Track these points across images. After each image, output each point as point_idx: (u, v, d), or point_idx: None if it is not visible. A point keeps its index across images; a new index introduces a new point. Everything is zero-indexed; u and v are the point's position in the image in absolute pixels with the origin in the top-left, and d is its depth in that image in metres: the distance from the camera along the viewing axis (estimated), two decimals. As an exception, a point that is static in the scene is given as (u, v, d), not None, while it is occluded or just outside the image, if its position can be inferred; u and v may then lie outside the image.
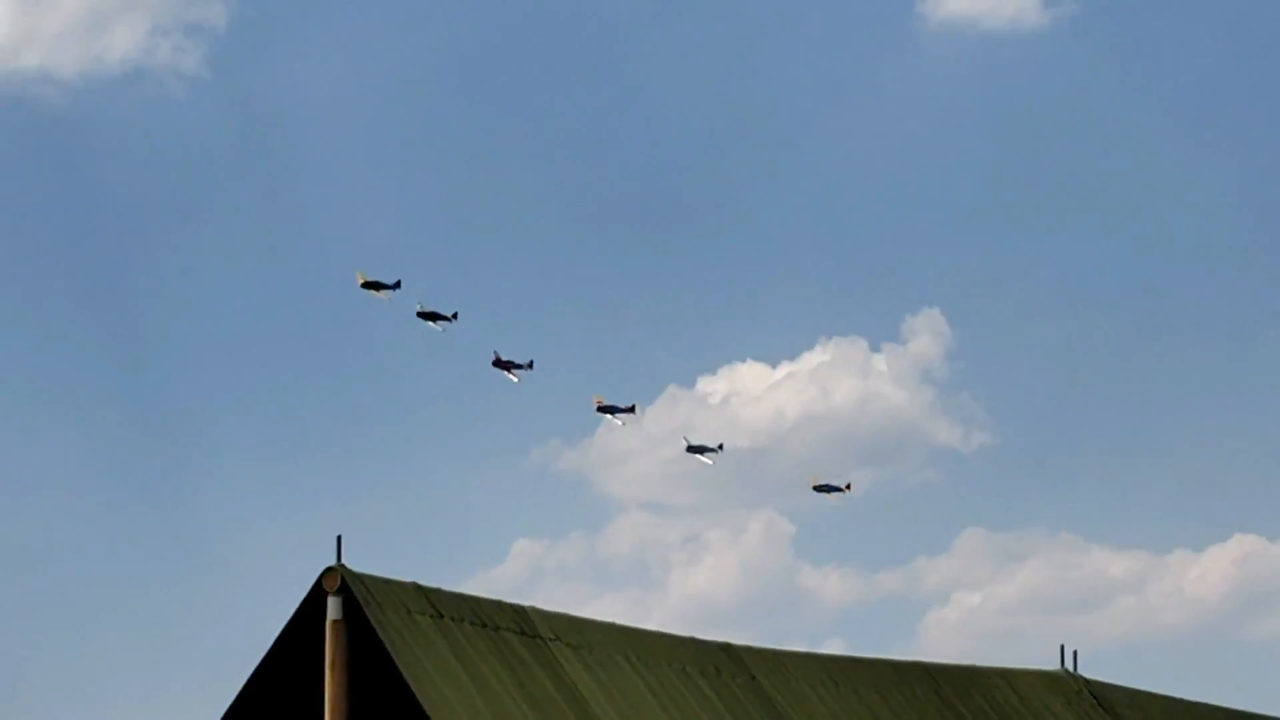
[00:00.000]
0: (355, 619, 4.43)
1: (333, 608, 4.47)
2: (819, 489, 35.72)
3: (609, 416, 36.16)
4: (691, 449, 36.02)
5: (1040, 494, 45.33)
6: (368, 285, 34.81)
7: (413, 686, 4.43)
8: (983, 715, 8.45)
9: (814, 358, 44.45)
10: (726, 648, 7.43)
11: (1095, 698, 9.38)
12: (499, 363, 34.63)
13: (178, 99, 45.44)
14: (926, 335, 44.49)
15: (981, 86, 48.44)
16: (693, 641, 7.27)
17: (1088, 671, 9.70)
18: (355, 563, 4.49)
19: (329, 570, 4.50)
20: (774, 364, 44.35)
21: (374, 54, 49.38)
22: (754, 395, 43.60)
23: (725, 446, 35.98)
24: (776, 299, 46.05)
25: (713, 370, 44.36)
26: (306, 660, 4.62)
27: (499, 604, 5.64)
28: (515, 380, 34.88)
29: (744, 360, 44.48)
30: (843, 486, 35.97)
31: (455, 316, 34.65)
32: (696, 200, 48.36)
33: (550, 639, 5.86)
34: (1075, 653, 9.63)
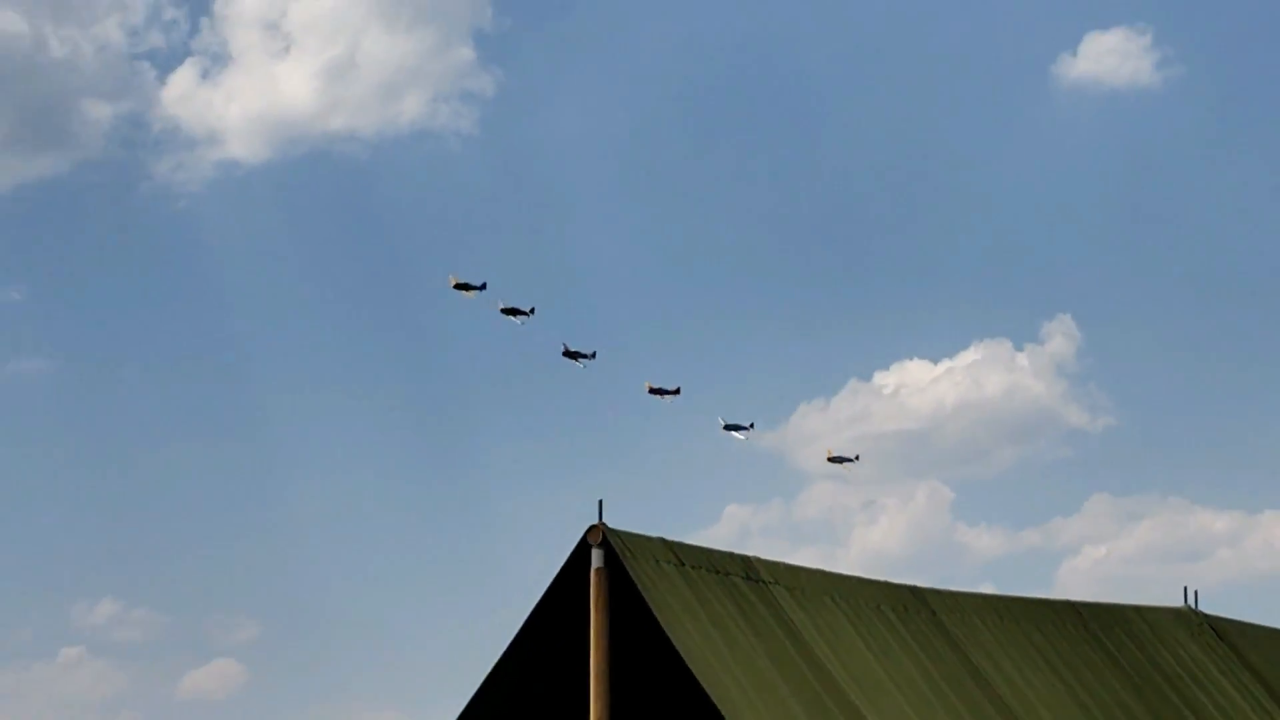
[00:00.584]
0: (614, 567, 5.35)
1: (596, 558, 5.39)
2: (728, 427, 41.61)
3: (660, 397, 41.28)
4: (728, 427, 41.89)
5: (1154, 465, 56.90)
6: (459, 286, 40.73)
7: (661, 623, 5.31)
8: (1122, 644, 9.54)
9: (968, 356, 53.71)
10: (912, 589, 8.43)
11: (1214, 630, 10.52)
12: (567, 353, 40.52)
13: (455, 153, 56.51)
14: (1060, 337, 53.73)
15: (1105, 133, 58.94)
16: (884, 584, 8.29)
17: (1206, 609, 10.94)
18: (611, 522, 5.45)
19: (593, 527, 5.43)
20: (935, 361, 53.57)
21: (611, 111, 61.29)
22: (919, 387, 52.69)
23: (896, 429, 45.31)
24: (938, 308, 56.55)
25: (886, 367, 53.99)
26: (574, 602, 5.57)
27: (729, 554, 6.55)
28: (582, 368, 40.72)
29: (911, 358, 54.00)
30: (853, 457, 42.29)
31: (533, 311, 40.88)
32: (875, 227, 59.45)
33: (770, 582, 6.73)
34: (1196, 592, 10.81)
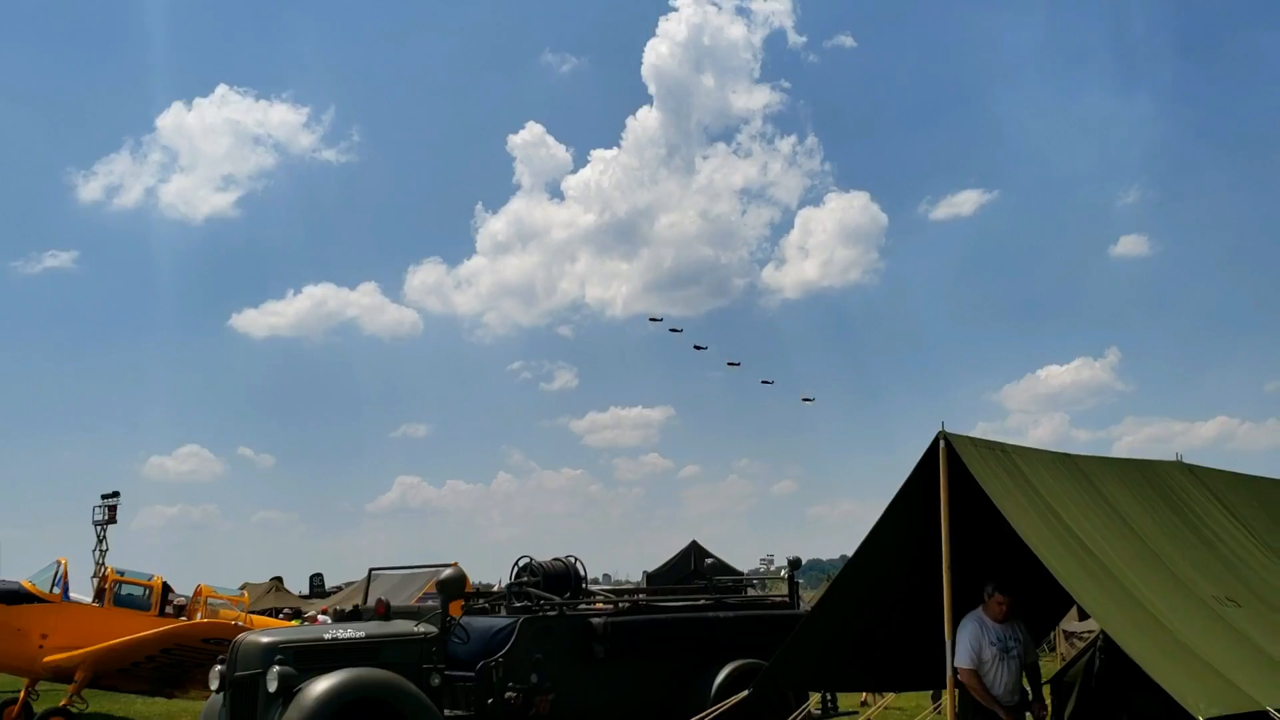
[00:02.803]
0: (952, 458, 7.79)
1: (942, 454, 7.85)
2: None
3: None
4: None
5: None
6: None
7: (985, 489, 7.69)
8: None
9: None
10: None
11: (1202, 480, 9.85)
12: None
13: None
14: None
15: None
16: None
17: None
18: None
19: (941, 433, 7.90)
20: None
21: None
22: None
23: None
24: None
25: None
26: (929, 484, 8.08)
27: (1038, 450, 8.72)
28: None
29: None
30: None
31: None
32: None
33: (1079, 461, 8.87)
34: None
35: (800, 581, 13.50)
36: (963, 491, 7.45)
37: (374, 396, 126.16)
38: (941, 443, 7.59)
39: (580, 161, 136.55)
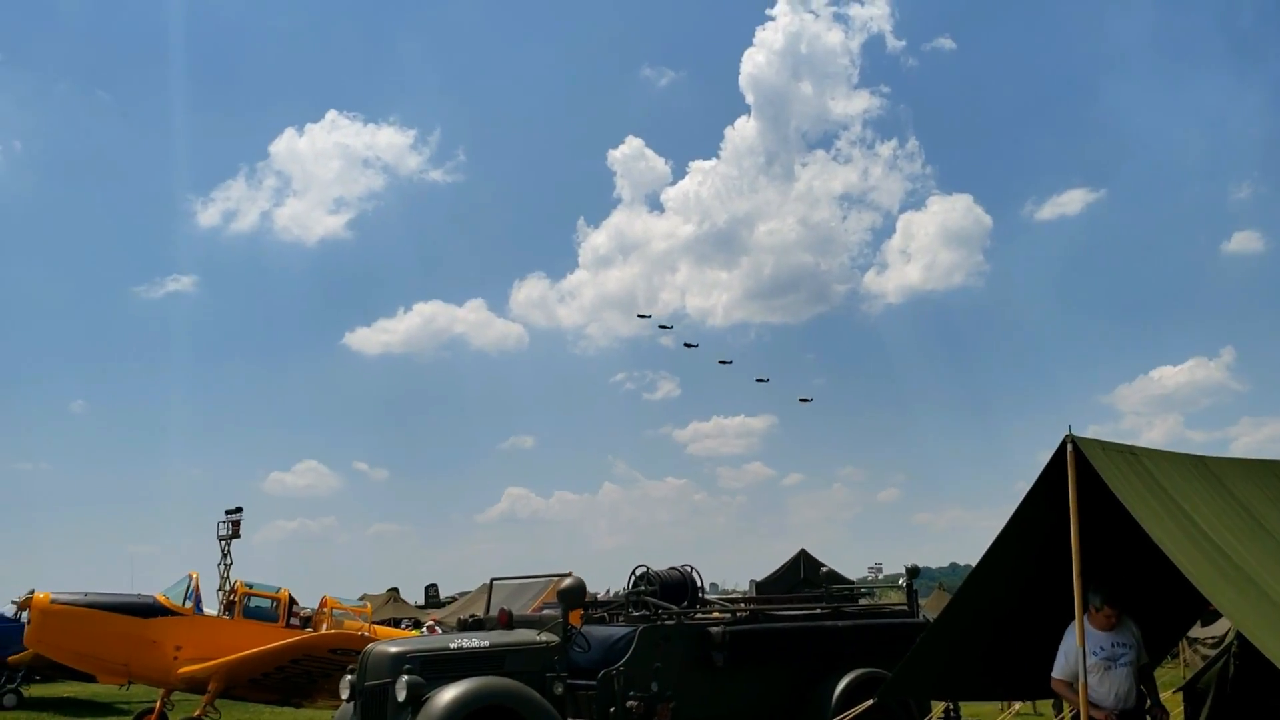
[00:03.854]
0: (1081, 461, 7.67)
1: (1070, 458, 7.76)
2: None
3: None
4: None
5: None
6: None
7: (1117, 494, 7.56)
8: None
9: None
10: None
11: None
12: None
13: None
14: None
15: None
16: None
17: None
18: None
19: (1069, 436, 7.77)
20: None
21: None
22: None
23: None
24: None
25: None
26: (1055, 489, 7.96)
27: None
28: None
29: None
30: None
31: None
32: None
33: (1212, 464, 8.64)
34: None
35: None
36: (1082, 497, 7.35)
37: (482, 410, 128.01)
38: (1069, 447, 7.47)
39: (679, 173, 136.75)
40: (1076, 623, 7.35)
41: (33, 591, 16.86)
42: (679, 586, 11.48)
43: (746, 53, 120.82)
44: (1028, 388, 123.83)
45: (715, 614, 11.87)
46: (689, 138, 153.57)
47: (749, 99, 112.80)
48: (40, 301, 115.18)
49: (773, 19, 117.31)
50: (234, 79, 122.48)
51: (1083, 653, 7.43)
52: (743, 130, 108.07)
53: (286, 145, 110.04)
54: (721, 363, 75.92)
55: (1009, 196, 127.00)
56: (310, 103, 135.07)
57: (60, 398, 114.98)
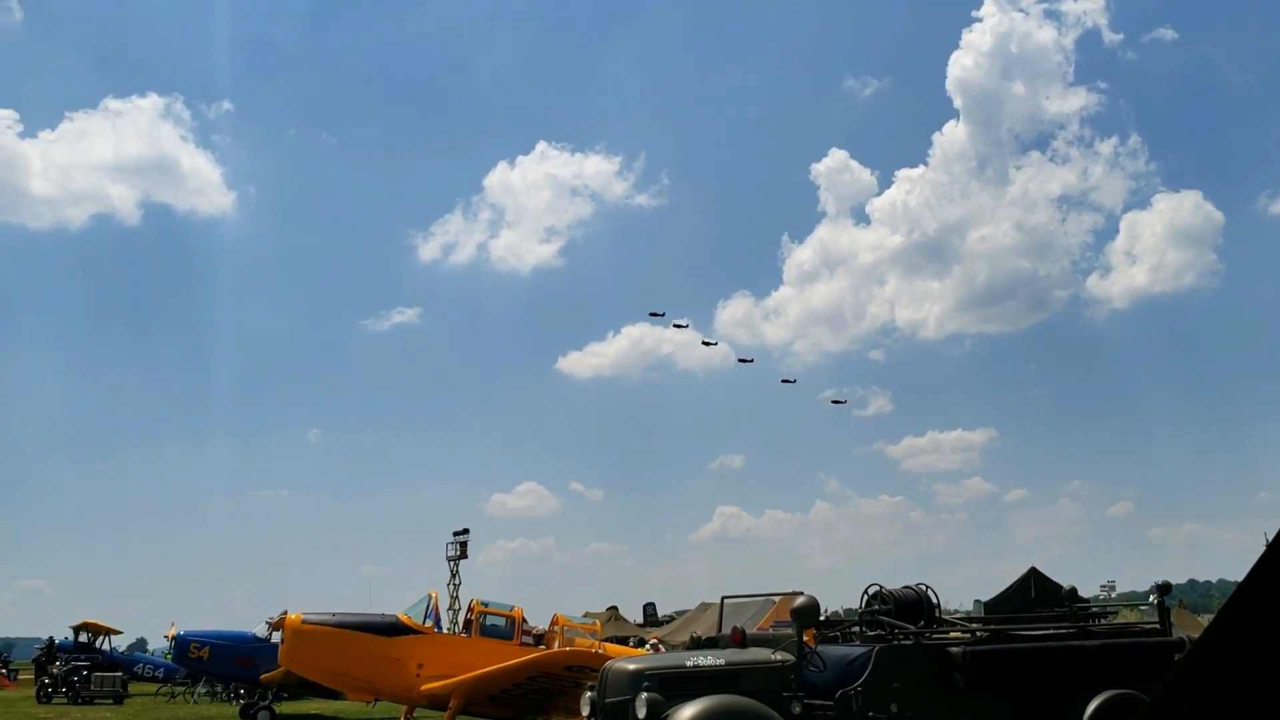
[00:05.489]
0: None
1: None
2: None
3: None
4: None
5: None
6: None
7: None
8: None
9: None
10: None
11: None
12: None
13: None
14: None
15: None
16: None
17: None
18: None
19: None
20: None
21: None
22: None
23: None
24: None
25: None
26: None
27: None
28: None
29: None
30: None
31: None
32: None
33: None
34: None
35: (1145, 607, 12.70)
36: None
37: (691, 429, 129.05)
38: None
39: (885, 183, 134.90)
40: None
41: (285, 612, 17.74)
42: (914, 605, 11.21)
43: (953, 56, 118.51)
44: (1271, 393, 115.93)
45: (954, 633, 11.57)
46: (895, 146, 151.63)
47: (957, 103, 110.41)
48: (276, 337, 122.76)
49: (979, 20, 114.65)
50: (448, 117, 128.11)
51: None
52: (951, 135, 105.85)
53: (500, 178, 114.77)
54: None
55: (1242, 191, 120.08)
56: (521, 136, 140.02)
57: (298, 427, 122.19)
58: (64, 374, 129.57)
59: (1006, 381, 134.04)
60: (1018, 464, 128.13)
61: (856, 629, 11.42)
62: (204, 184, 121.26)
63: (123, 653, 43.09)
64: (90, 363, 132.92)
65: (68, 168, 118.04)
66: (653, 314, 78.68)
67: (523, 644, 17.61)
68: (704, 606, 38.71)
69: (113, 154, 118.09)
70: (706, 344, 77.64)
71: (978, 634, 11.46)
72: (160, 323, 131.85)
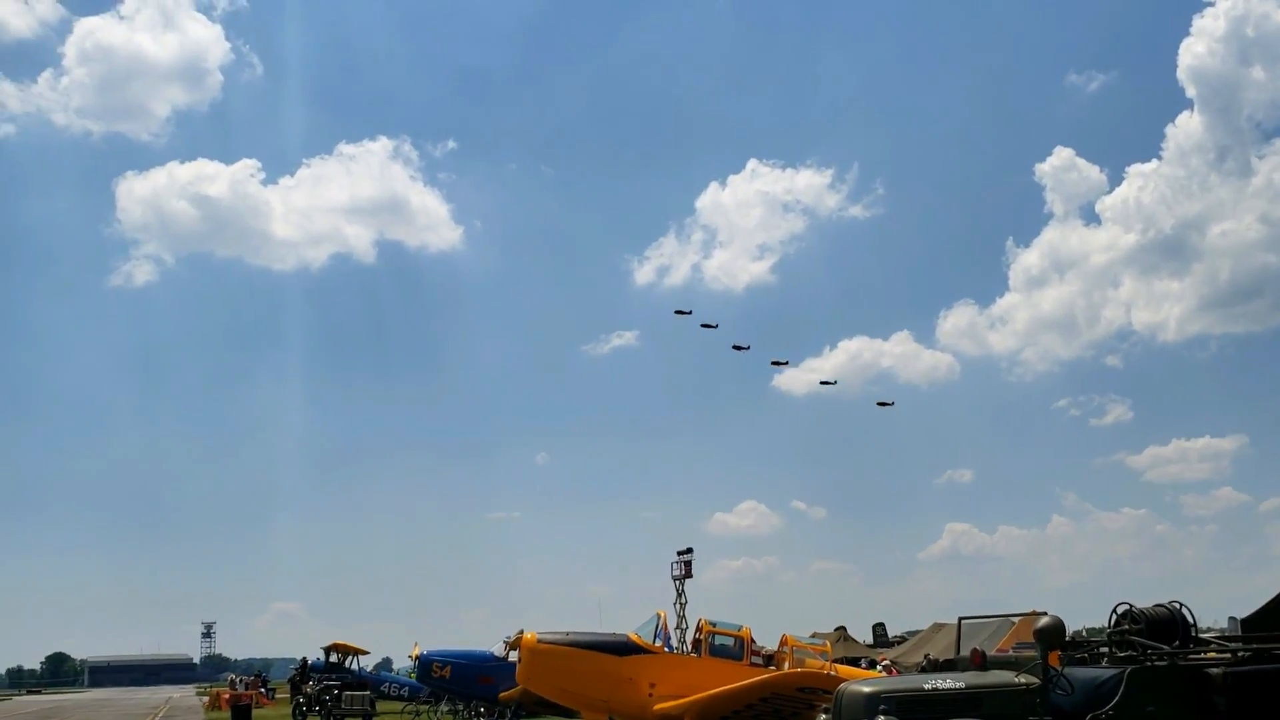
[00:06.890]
0: None
1: None
2: None
3: None
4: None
5: None
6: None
7: None
8: None
9: None
10: None
11: None
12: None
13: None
14: None
15: None
16: None
17: None
18: None
19: None
20: None
21: None
22: None
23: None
24: None
25: None
26: None
27: None
28: None
29: None
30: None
31: None
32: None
33: None
34: None
35: None
36: None
37: (915, 444, 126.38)
38: None
39: (1115, 180, 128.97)
40: None
41: (522, 631, 18.23)
42: (1168, 624, 10.63)
43: (1184, 44, 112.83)
44: None
45: (1211, 654, 10.90)
46: (1124, 141, 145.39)
47: (1190, 92, 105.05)
48: (503, 365, 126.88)
49: (1211, 4, 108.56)
50: (659, 141, 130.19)
51: None
52: (1186, 127, 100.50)
53: (711, 199, 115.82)
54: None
55: None
56: (732, 154, 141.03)
57: (526, 451, 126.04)
58: (309, 407, 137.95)
59: (1256, 384, 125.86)
60: (1273, 471, 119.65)
61: (1105, 650, 10.91)
62: (433, 220, 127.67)
63: (370, 672, 45.18)
64: (332, 395, 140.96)
65: (307, 211, 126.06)
66: (678, 311, 67.83)
67: (752, 664, 17.57)
68: (936, 627, 37.69)
69: (348, 196, 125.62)
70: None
71: (1239, 654, 10.76)
72: (395, 354, 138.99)
